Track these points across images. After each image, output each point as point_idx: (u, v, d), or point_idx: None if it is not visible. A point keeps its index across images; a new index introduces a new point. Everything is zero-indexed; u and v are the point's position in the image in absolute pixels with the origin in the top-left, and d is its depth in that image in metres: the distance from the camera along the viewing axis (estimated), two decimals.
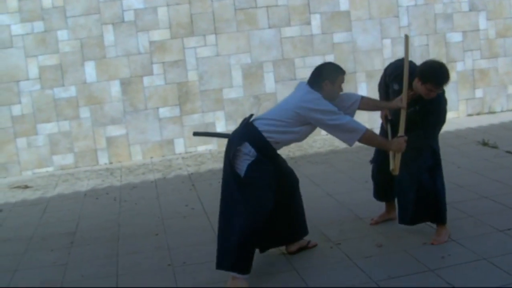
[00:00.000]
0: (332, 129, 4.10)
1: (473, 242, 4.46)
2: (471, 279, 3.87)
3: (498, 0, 9.42)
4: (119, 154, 8.47)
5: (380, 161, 4.88)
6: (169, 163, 8.11)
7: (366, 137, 4.12)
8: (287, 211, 4.39)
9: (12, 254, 5.12)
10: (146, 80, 8.41)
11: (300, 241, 4.58)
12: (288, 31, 8.74)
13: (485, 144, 7.50)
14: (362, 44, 8.97)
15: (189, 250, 4.85)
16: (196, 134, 4.99)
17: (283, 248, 4.61)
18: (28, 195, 7.10)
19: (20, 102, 8.12)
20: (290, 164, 4.66)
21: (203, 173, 7.41)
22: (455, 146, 7.54)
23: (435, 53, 9.15)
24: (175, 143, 8.61)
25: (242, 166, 4.03)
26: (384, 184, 4.89)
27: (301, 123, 4.08)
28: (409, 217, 4.62)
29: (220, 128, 8.56)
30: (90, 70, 8.24)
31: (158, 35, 8.38)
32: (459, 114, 9.43)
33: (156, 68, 8.42)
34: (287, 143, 4.25)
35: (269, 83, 8.75)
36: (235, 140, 4.12)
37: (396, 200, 4.85)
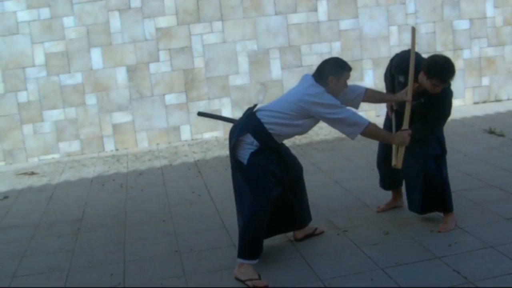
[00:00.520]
0: (334, 123, 4.09)
1: (480, 230, 4.46)
2: (478, 267, 3.87)
3: None
4: (125, 140, 8.48)
5: (384, 149, 4.88)
6: (175, 150, 8.12)
7: (369, 131, 4.12)
8: (292, 198, 4.39)
9: (20, 240, 5.14)
10: (153, 67, 8.40)
11: (307, 228, 4.59)
12: (295, 18, 8.70)
13: (491, 132, 7.48)
14: (369, 31, 8.93)
15: (196, 237, 4.87)
16: (200, 114, 4.97)
17: (290, 235, 4.62)
18: (34, 181, 7.13)
19: (26, 89, 8.13)
20: (297, 151, 4.67)
21: (209, 160, 7.41)
22: (461, 134, 7.52)
23: (441, 41, 9.11)
24: (181, 129, 8.61)
25: (244, 155, 4.05)
26: (389, 173, 4.88)
27: (304, 116, 4.08)
28: (418, 206, 4.63)
29: (226, 114, 8.54)
30: (96, 57, 8.24)
31: (164, 21, 8.36)
32: (465, 102, 9.40)
33: (163, 55, 8.41)
34: (289, 136, 4.26)
35: (275, 70, 8.73)
36: (237, 130, 4.13)
37: (403, 188, 4.85)
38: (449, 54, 9.10)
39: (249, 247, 4.03)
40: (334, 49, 8.73)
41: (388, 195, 5.15)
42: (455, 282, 3.70)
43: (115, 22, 8.23)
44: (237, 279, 4.00)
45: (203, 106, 8.57)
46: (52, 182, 7.02)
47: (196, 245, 4.68)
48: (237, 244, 4.10)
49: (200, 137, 8.67)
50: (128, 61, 8.34)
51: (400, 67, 4.59)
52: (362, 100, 4.49)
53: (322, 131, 8.34)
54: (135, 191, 6.39)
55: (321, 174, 6.37)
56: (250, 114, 4.18)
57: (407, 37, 8.96)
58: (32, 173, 7.48)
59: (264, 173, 4.04)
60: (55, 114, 8.24)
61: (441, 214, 4.66)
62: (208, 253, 4.50)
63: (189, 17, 8.42)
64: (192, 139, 8.64)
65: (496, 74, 9.50)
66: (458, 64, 9.21)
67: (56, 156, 8.31)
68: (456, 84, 8.94)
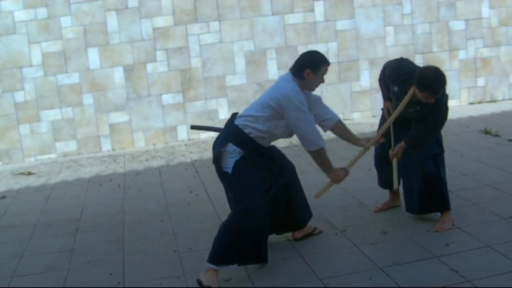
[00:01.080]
0: (297, 128, 4.03)
1: (477, 230, 4.49)
2: (475, 266, 3.90)
3: None
4: (122, 140, 8.49)
5: (380, 149, 4.92)
6: (172, 150, 8.13)
7: (320, 152, 4.12)
8: (289, 200, 4.39)
9: (18, 240, 5.15)
10: (150, 67, 8.41)
11: (306, 227, 4.61)
12: (292, 18, 8.73)
13: (487, 132, 7.52)
14: (365, 31, 8.95)
15: (194, 236, 4.89)
16: (193, 127, 5.03)
17: (288, 235, 4.64)
18: (31, 181, 7.13)
19: (23, 89, 8.13)
20: (293, 151, 4.68)
21: (206, 160, 7.42)
22: (457, 134, 7.55)
23: (437, 41, 9.15)
24: (178, 129, 8.63)
25: (229, 164, 4.01)
26: (387, 171, 4.91)
27: (278, 117, 4.00)
28: (416, 206, 4.67)
29: (223, 114, 8.56)
30: (93, 57, 8.24)
31: (161, 21, 8.37)
32: (461, 103, 9.44)
33: (160, 55, 8.42)
34: (274, 138, 4.19)
35: (272, 70, 8.75)
36: (218, 142, 4.12)
37: (401, 188, 4.88)
38: (445, 54, 9.18)
39: (220, 253, 3.94)
40: (331, 50, 8.75)
41: (385, 194, 5.17)
42: (453, 281, 3.73)
43: (112, 22, 8.23)
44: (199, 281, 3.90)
45: (200, 106, 8.59)
46: (49, 182, 7.02)
47: (195, 245, 4.70)
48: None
49: (197, 137, 8.68)
50: (125, 61, 8.34)
51: (392, 79, 4.63)
52: (330, 128, 4.53)
53: (319, 130, 8.34)
54: (133, 191, 6.40)
55: (318, 174, 6.33)
56: (228, 123, 4.16)
57: (403, 38, 9.01)
58: (29, 173, 7.48)
59: (250, 180, 3.96)
60: (52, 114, 8.24)
61: (438, 214, 4.70)
62: (207, 252, 4.46)
63: (186, 17, 8.43)
64: (189, 139, 8.66)
65: (492, 75, 9.55)
66: (454, 65, 9.27)
67: (53, 156, 8.30)
68: (451, 85, 8.99)
